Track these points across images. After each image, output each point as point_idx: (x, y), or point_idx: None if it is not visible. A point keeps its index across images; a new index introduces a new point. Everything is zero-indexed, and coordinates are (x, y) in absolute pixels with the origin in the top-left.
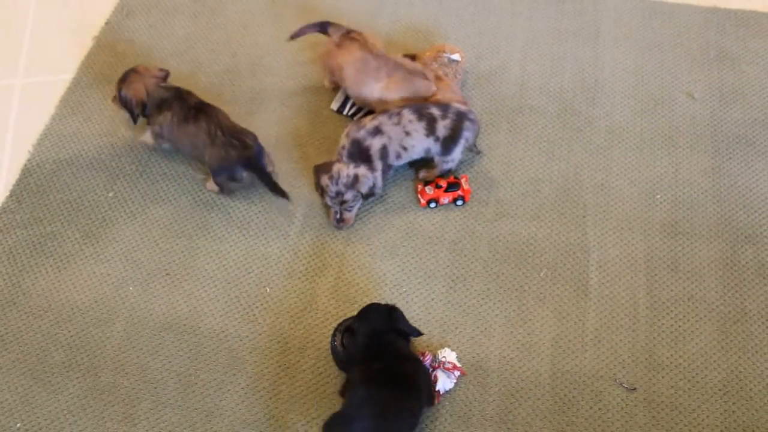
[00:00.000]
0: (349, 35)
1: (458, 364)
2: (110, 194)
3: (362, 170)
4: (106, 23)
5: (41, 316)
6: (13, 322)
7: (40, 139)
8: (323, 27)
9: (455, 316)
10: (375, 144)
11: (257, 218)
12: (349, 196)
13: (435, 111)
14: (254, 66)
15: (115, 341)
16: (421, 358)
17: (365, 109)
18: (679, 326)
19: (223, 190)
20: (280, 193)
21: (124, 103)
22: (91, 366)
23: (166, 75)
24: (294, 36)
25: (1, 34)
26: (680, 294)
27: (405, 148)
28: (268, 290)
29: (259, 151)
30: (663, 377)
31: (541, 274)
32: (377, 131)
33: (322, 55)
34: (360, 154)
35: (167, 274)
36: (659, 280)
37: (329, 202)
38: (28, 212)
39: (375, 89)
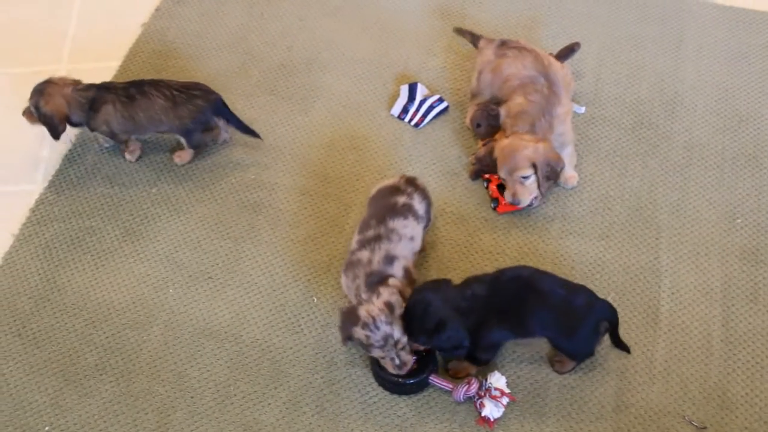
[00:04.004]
0: (507, 45)
1: (507, 390)
2: (153, 190)
3: (388, 294)
4: (156, 9)
5: (76, 314)
6: (47, 319)
7: (82, 129)
8: (475, 39)
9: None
10: (396, 271)
11: (306, 223)
12: (398, 333)
13: (400, 198)
14: (310, 61)
15: (152, 345)
16: (467, 386)
17: (430, 118)
18: (757, 362)
19: (199, 147)
20: (250, 131)
21: (44, 118)
22: (125, 370)
23: (79, 82)
24: (459, 32)
25: (47, 18)
26: (759, 327)
27: (414, 250)
28: (315, 300)
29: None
30: (736, 417)
31: (609, 298)
32: (391, 259)
33: (480, 69)
34: (381, 281)
35: (209, 277)
36: (736, 312)
37: (380, 353)
38: (66, 205)
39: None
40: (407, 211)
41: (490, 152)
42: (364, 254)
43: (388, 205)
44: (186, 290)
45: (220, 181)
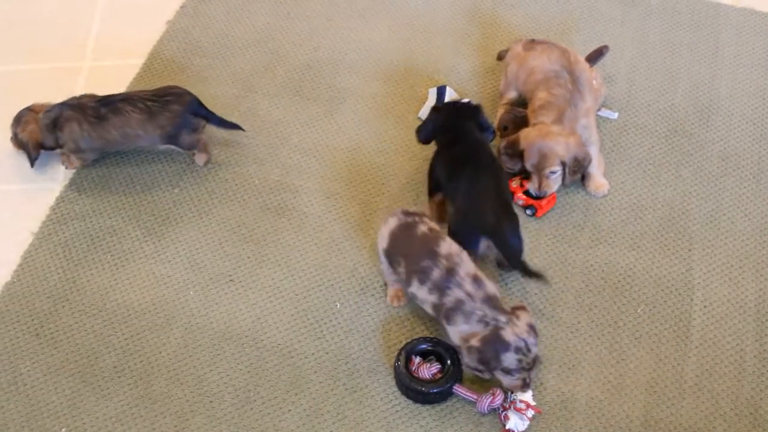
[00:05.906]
0: (536, 41)
1: (532, 402)
2: (176, 191)
3: (528, 317)
4: (182, 7)
5: (95, 315)
6: (65, 319)
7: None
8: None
9: (541, 349)
10: (490, 286)
11: (331, 227)
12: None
13: (421, 227)
14: (337, 62)
15: (171, 348)
16: (491, 398)
17: None
18: None
19: (194, 148)
20: (231, 125)
21: (20, 145)
22: (144, 373)
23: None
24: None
25: (70, 14)
26: None
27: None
28: (338, 306)
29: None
30: None
31: (639, 311)
32: (476, 278)
33: (508, 63)
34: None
35: (231, 280)
36: None
37: (518, 376)
38: (87, 204)
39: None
40: (435, 233)
41: (515, 143)
42: (456, 293)
43: (419, 239)
44: (207, 293)
45: (243, 182)
